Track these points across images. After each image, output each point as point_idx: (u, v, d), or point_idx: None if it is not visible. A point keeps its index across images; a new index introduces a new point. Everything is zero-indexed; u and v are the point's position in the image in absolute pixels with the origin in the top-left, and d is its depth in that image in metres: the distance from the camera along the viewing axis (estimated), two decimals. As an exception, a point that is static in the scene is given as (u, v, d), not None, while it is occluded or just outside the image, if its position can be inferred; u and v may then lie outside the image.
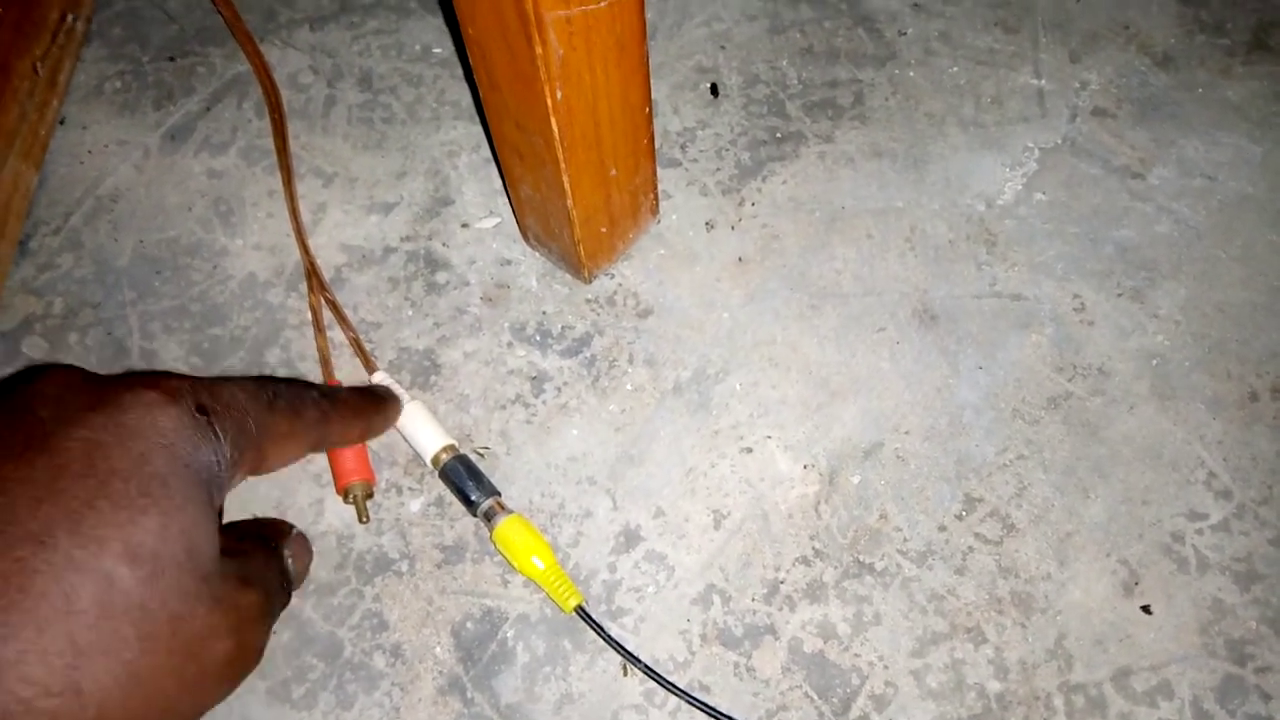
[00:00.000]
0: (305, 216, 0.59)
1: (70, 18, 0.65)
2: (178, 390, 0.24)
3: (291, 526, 0.29)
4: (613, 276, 0.57)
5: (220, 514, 0.24)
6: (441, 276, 0.57)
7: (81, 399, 0.23)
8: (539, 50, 0.40)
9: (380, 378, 0.52)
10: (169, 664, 0.21)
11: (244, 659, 0.23)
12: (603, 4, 0.40)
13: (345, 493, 0.49)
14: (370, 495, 0.50)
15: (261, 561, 0.27)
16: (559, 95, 0.42)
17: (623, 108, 0.47)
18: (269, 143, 0.62)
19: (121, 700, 0.20)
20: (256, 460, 0.26)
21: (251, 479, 0.51)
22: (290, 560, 0.28)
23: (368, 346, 0.54)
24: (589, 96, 0.44)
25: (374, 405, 0.34)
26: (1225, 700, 0.44)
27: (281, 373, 0.54)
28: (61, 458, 0.21)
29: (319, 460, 0.51)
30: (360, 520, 0.49)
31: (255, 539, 0.28)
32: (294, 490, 0.51)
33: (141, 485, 0.21)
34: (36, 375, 0.24)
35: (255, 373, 0.54)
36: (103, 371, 0.54)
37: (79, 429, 0.22)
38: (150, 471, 0.22)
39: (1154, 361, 0.53)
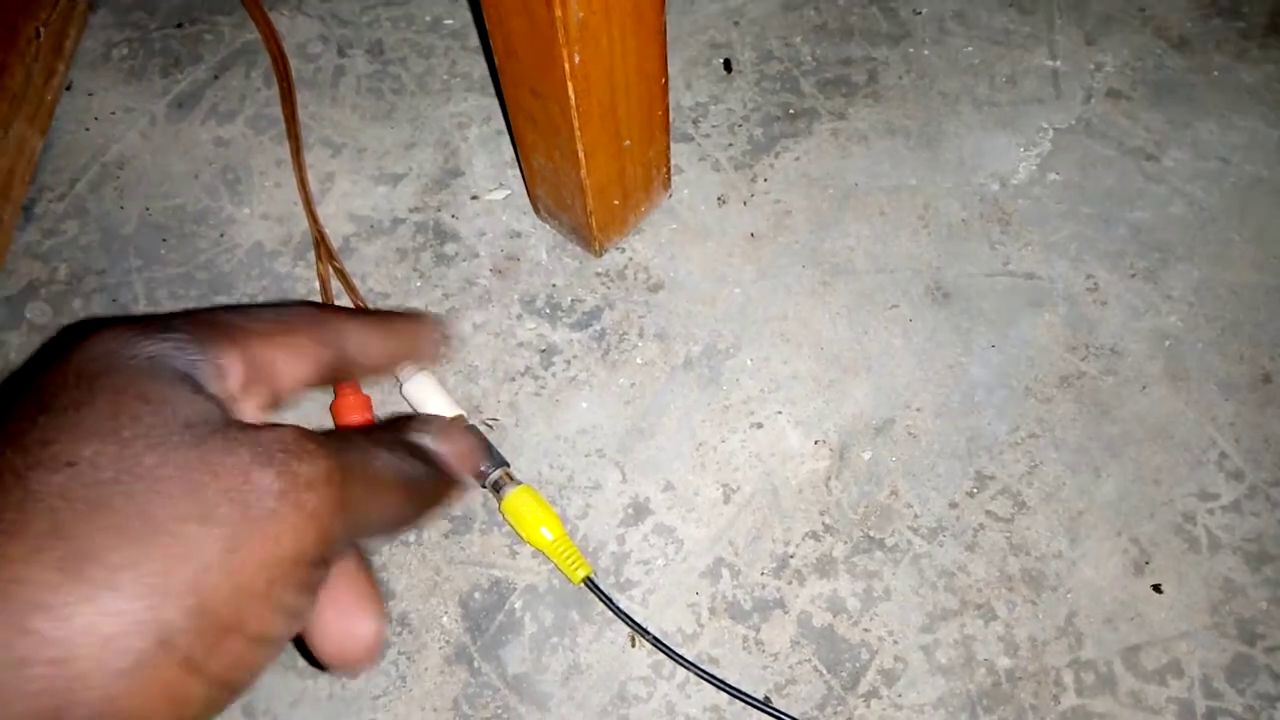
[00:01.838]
0: (313, 186, 0.59)
1: (78, -18, 0.64)
2: (117, 321, 0.23)
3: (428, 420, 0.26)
4: (623, 250, 0.56)
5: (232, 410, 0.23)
6: (450, 248, 0.57)
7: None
8: (558, 12, 0.39)
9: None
10: (230, 516, 0.19)
11: (307, 487, 0.21)
12: (623, -34, 0.40)
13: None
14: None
15: (376, 436, 0.24)
16: (576, 59, 0.42)
17: (639, 76, 0.46)
18: (277, 112, 0.62)
19: (214, 585, 0.19)
20: (251, 365, 0.23)
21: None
22: (432, 445, 0.26)
23: (376, 316, 0.54)
24: (606, 63, 0.44)
25: (395, 316, 0.29)
26: (1235, 679, 0.44)
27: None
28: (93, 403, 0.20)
29: (328, 426, 0.51)
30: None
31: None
32: (301, 459, 0.50)
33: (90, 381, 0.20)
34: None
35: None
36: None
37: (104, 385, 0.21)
38: (92, 369, 0.21)
39: (1167, 342, 0.53)
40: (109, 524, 0.18)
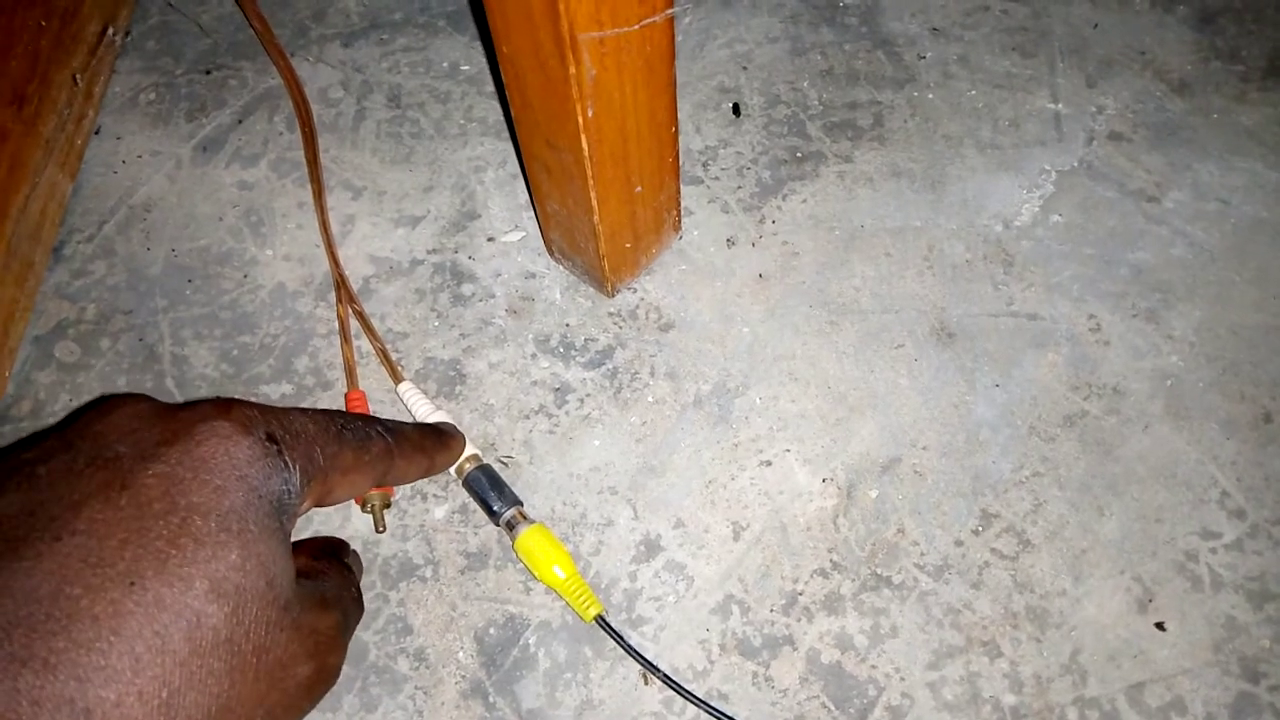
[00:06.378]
0: (334, 228, 0.61)
1: (110, 31, 0.66)
2: (249, 420, 0.24)
3: (345, 542, 0.30)
4: (635, 291, 0.58)
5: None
6: (467, 288, 0.58)
7: (155, 431, 0.23)
8: (572, 70, 0.41)
9: (405, 388, 0.53)
10: (255, 692, 0.21)
11: (324, 680, 0.24)
12: (634, 27, 0.41)
13: (364, 503, 0.49)
14: (388, 505, 0.50)
15: (338, 578, 0.27)
16: (590, 113, 0.43)
17: (650, 126, 0.48)
18: (299, 155, 0.64)
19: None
20: (323, 491, 0.27)
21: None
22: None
23: (394, 356, 0.55)
24: (618, 115, 0.45)
25: (437, 442, 0.35)
26: (1239, 717, 0.45)
27: (309, 381, 0.55)
28: (143, 495, 0.21)
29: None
30: (377, 530, 0.50)
31: (329, 556, 0.28)
32: (321, 496, 0.52)
33: (221, 520, 0.22)
34: (109, 407, 0.24)
35: (283, 379, 0.55)
36: (135, 379, 0.55)
37: (156, 464, 0.22)
38: (228, 505, 0.22)
39: (1168, 382, 0.54)
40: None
